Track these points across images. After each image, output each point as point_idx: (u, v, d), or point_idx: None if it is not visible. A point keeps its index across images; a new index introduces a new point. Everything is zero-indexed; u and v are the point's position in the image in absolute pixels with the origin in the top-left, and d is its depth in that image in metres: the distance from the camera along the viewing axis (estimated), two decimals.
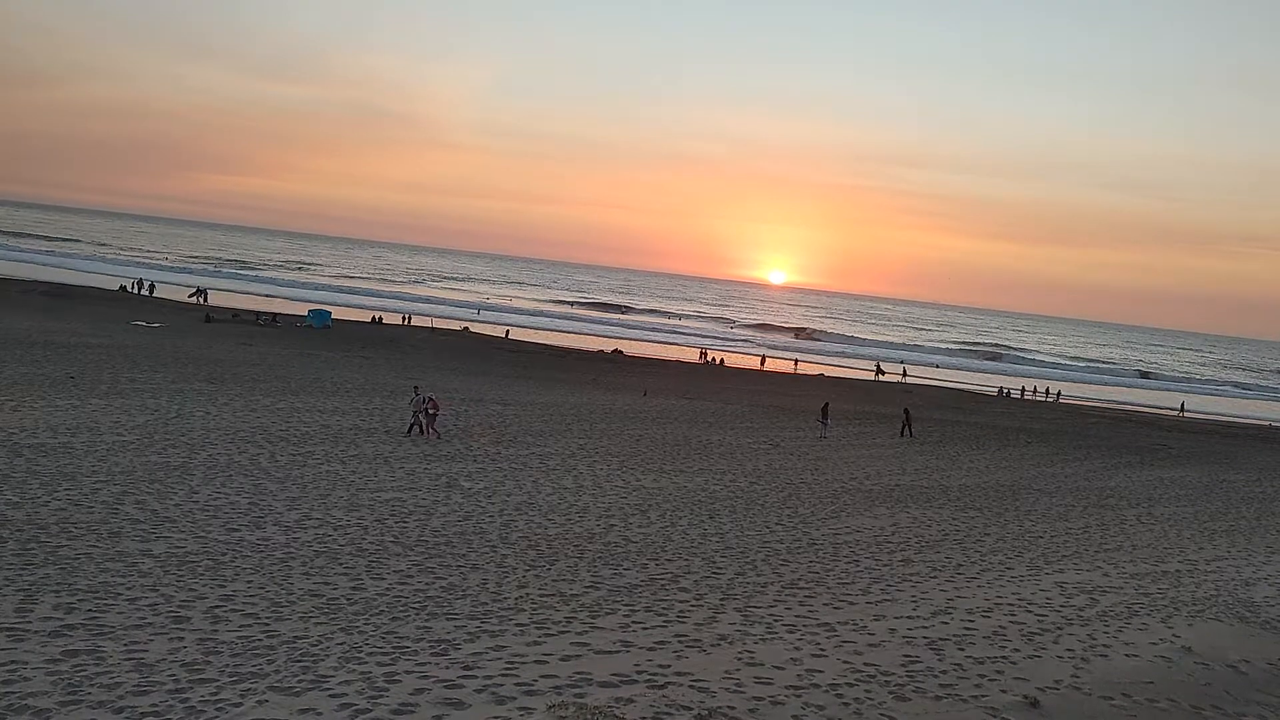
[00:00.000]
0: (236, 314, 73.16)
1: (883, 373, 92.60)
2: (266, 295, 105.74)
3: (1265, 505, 35.79)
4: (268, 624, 13.92)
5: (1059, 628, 17.50)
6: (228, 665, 12.31)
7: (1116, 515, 30.44)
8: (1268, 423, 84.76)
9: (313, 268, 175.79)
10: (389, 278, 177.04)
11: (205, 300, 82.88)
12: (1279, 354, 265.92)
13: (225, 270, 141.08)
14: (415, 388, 34.00)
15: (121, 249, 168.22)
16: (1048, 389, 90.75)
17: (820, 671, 13.93)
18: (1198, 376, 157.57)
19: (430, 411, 31.69)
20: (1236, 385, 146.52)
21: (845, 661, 14.50)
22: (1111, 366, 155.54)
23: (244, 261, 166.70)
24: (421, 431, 31.51)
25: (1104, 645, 16.71)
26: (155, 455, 24.47)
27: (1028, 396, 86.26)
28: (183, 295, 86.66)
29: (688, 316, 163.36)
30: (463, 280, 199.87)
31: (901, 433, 45.05)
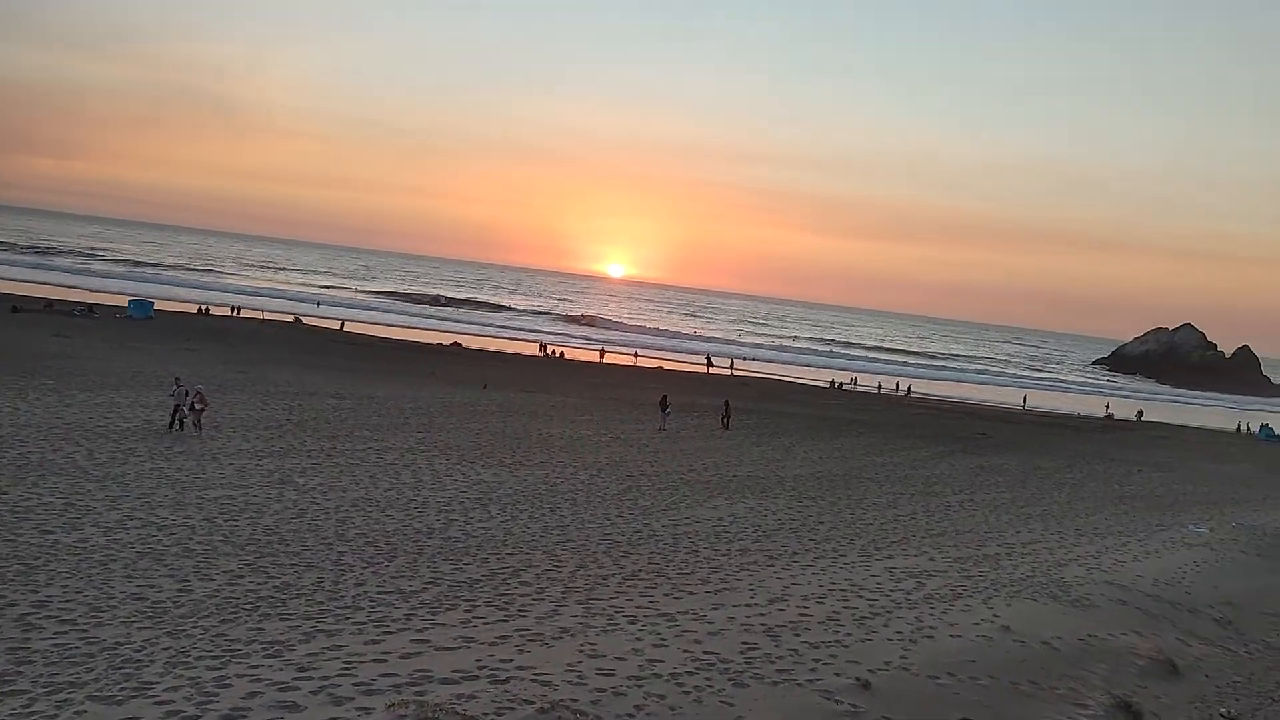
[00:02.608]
0: (50, 304, 69.08)
1: (712, 365, 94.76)
2: (71, 285, 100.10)
3: (1075, 490, 38.06)
4: (85, 630, 13.22)
5: (889, 611, 18.20)
6: (41, 675, 11.64)
7: (941, 502, 31.85)
8: (1077, 412, 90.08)
9: (129, 254, 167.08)
10: (216, 267, 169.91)
11: None
12: (1083, 347, 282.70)
13: (38, 261, 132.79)
14: (176, 379, 31.69)
15: None
16: (879, 383, 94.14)
17: (661, 661, 14.10)
18: (1010, 371, 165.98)
19: (197, 407, 29.53)
20: (1055, 379, 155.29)
21: (686, 650, 14.72)
22: (950, 360, 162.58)
23: (52, 248, 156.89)
24: (181, 427, 29.26)
25: (930, 627, 17.46)
26: None
27: (859, 389, 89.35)
28: None
29: (455, 303, 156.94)
30: (301, 271, 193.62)
31: (721, 424, 45.51)
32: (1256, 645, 20.61)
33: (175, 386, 30.42)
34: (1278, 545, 30.93)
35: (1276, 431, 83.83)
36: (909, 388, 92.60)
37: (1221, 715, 16.10)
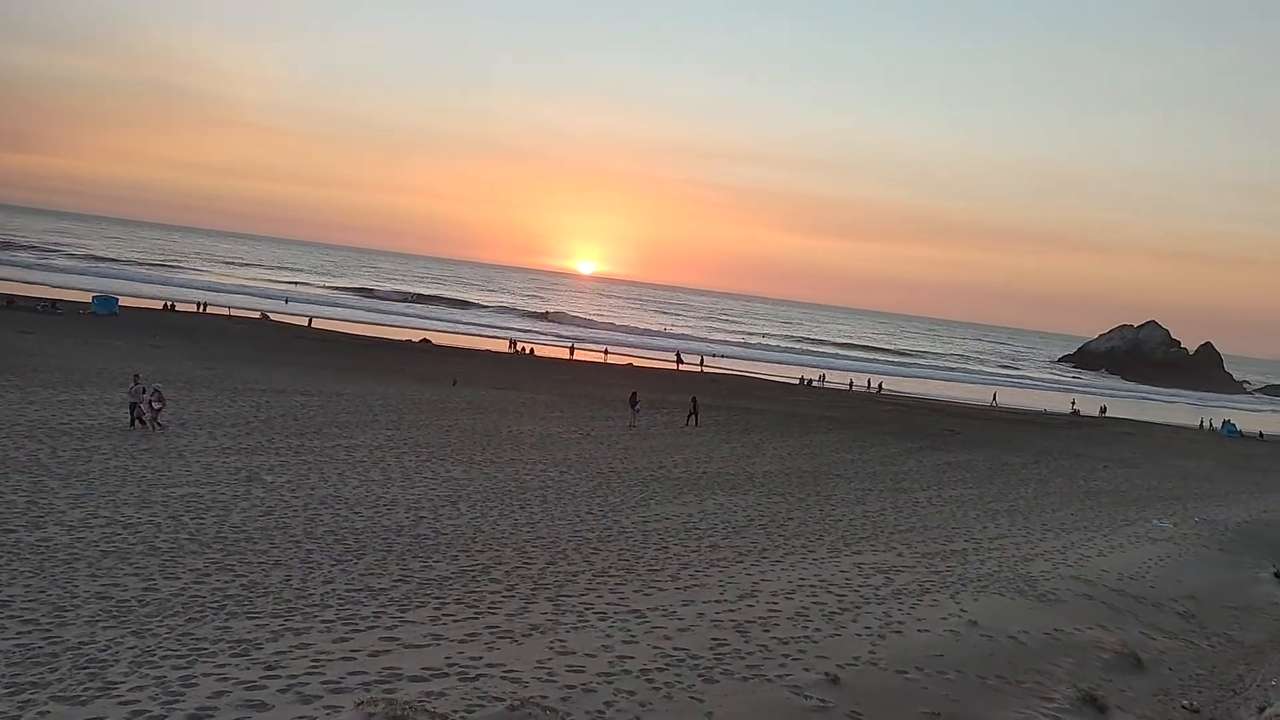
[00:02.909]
0: (11, 300, 68.15)
1: (682, 361, 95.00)
2: (33, 281, 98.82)
3: (1041, 486, 38.42)
4: (49, 630, 13.07)
5: (857, 606, 18.29)
6: (4, 675, 11.50)
7: (910, 498, 32.06)
8: (1043, 409, 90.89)
9: (93, 249, 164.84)
10: (182, 263, 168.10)
11: None
12: (1049, 344, 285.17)
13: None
14: (135, 376, 31.12)
15: None
16: (851, 380, 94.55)
17: (631, 658, 14.11)
18: (976, 368, 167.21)
19: (155, 405, 29.12)
20: (1023, 376, 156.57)
21: (655, 647, 14.73)
22: (920, 357, 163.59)
23: (12, 242, 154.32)
24: (144, 424, 28.90)
25: (898, 622, 17.56)
26: None
27: (828, 385, 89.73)
28: None
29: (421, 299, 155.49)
30: (269, 267, 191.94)
31: (687, 421, 45.35)
32: (1219, 638, 20.88)
33: (133, 384, 29.96)
34: (1240, 540, 31.35)
35: (1238, 427, 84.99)
36: (880, 385, 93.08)
37: (1184, 707, 16.30)
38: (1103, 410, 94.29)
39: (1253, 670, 19.07)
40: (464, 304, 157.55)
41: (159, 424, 29.07)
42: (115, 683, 11.55)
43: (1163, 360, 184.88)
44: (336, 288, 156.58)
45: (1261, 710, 15.74)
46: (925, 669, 15.26)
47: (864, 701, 13.58)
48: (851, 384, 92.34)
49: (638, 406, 43.81)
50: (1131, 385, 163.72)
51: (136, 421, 29.03)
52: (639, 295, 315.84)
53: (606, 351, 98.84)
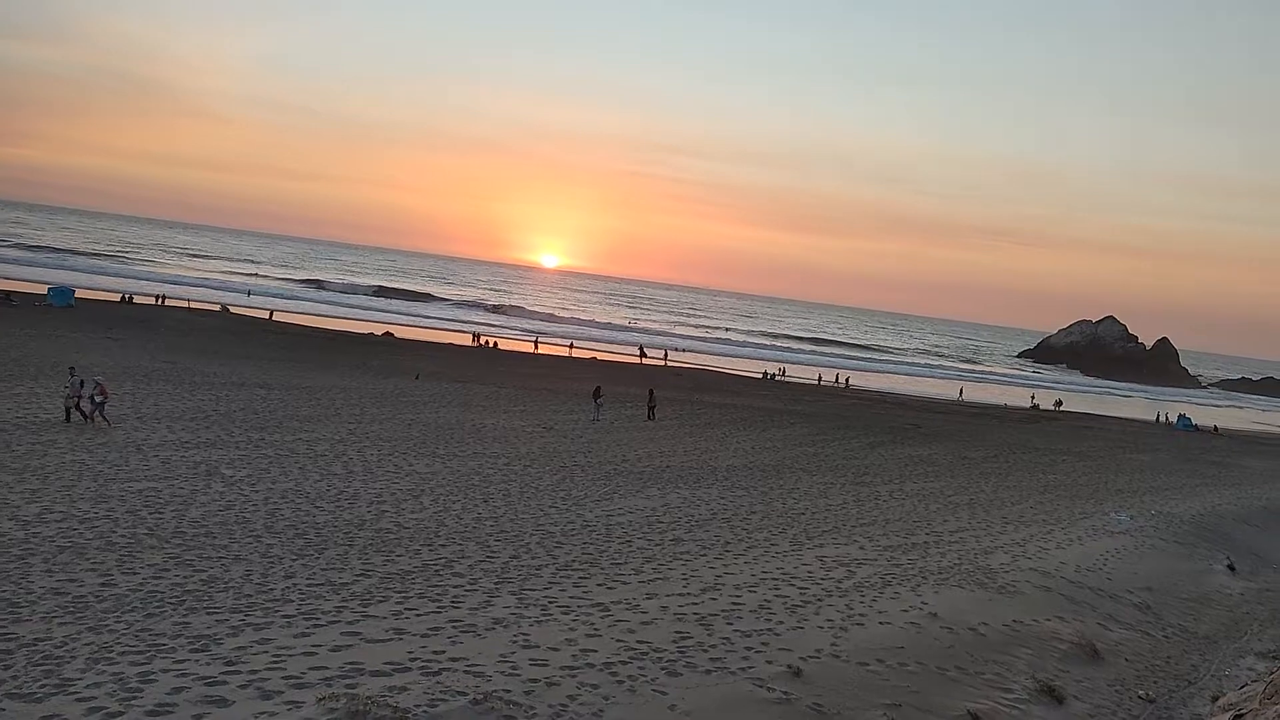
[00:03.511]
0: None
1: (645, 355, 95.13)
2: None
3: (1001, 480, 38.82)
4: (3, 627, 12.87)
5: (819, 599, 18.41)
6: None
7: (872, 491, 32.29)
8: (1004, 403, 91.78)
9: (48, 240, 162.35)
10: (141, 255, 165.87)
11: None
12: (1010, 339, 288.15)
13: None
14: (71, 369, 30.58)
15: None
16: (820, 375, 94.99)
17: (595, 651, 14.12)
18: (919, 360, 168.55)
19: (97, 399, 28.24)
20: (986, 371, 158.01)
21: (619, 640, 14.75)
22: (887, 351, 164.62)
23: None
24: (85, 418, 28.14)
25: (860, 614, 17.70)
26: None
27: (790, 379, 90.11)
28: None
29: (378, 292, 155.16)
30: (229, 260, 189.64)
31: (648, 416, 45.40)
32: (1174, 629, 21.23)
33: (70, 377, 29.17)
34: (1195, 532, 31.85)
35: (1194, 422, 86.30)
36: (847, 380, 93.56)
37: (1140, 697, 16.56)
38: (1058, 404, 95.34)
39: (1206, 660, 19.42)
40: (427, 297, 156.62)
41: (104, 418, 28.30)
42: (72, 679, 11.41)
43: (1121, 355, 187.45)
44: (299, 280, 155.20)
45: (1215, 699, 16.02)
46: (886, 661, 15.40)
47: (826, 693, 13.68)
48: (820, 378, 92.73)
49: (601, 400, 43.78)
50: (1090, 380, 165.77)
51: (78, 414, 28.25)
52: (602, 289, 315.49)
53: (572, 345, 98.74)
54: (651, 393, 47.25)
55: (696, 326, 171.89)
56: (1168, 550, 28.66)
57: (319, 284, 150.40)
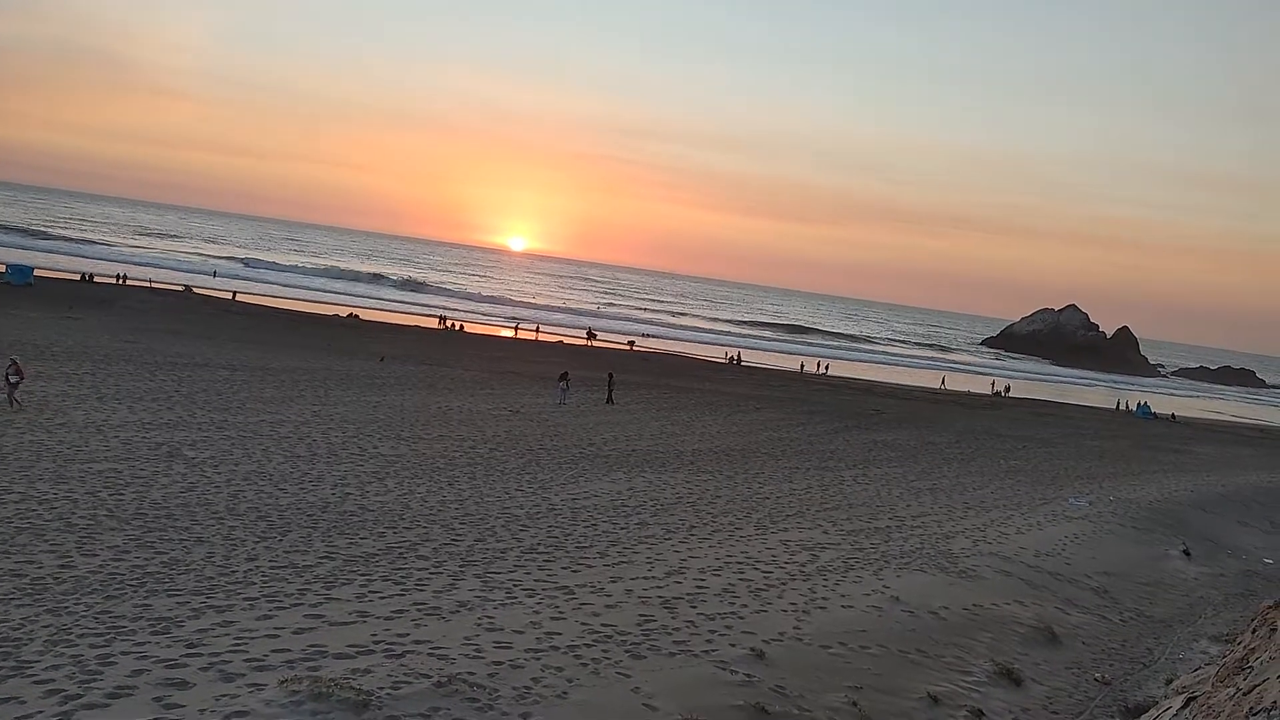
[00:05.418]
0: None
1: (594, 337, 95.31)
2: None
3: (963, 465, 39.17)
4: None
5: (783, 583, 18.54)
6: None
7: (836, 476, 32.49)
8: (967, 390, 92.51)
9: (3, 218, 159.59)
10: (101, 233, 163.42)
11: None
12: (973, 326, 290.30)
13: None
14: None
15: None
16: (801, 363, 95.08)
17: (559, 634, 14.16)
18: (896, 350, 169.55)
19: (11, 379, 26.70)
20: (953, 360, 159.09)
21: (583, 623, 14.80)
22: (863, 338, 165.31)
23: None
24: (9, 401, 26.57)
25: (823, 598, 17.84)
26: None
27: (757, 365, 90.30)
28: None
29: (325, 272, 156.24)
30: (192, 240, 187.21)
31: (608, 399, 45.33)
32: (1130, 613, 21.55)
33: None
34: (1152, 518, 32.31)
35: (1153, 409, 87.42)
36: (826, 367, 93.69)
37: (1096, 679, 16.81)
38: (1006, 389, 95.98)
39: (1161, 644, 19.73)
40: (393, 279, 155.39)
41: (16, 401, 26.75)
42: (30, 662, 11.30)
43: (1082, 343, 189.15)
44: (263, 261, 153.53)
45: (1169, 682, 16.29)
46: (849, 644, 15.54)
47: (789, 676, 13.79)
48: (803, 366, 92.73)
49: (565, 384, 43.69)
50: (1052, 368, 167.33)
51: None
52: (570, 272, 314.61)
53: (538, 329, 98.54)
54: (611, 376, 47.25)
55: (661, 311, 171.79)
56: (1125, 536, 29.06)
57: (296, 267, 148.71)
